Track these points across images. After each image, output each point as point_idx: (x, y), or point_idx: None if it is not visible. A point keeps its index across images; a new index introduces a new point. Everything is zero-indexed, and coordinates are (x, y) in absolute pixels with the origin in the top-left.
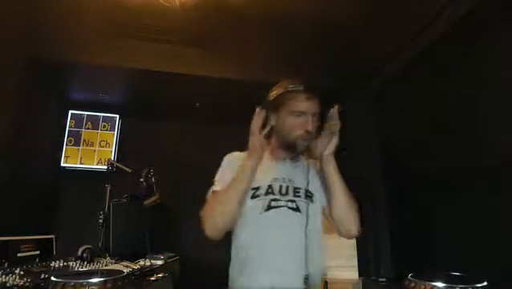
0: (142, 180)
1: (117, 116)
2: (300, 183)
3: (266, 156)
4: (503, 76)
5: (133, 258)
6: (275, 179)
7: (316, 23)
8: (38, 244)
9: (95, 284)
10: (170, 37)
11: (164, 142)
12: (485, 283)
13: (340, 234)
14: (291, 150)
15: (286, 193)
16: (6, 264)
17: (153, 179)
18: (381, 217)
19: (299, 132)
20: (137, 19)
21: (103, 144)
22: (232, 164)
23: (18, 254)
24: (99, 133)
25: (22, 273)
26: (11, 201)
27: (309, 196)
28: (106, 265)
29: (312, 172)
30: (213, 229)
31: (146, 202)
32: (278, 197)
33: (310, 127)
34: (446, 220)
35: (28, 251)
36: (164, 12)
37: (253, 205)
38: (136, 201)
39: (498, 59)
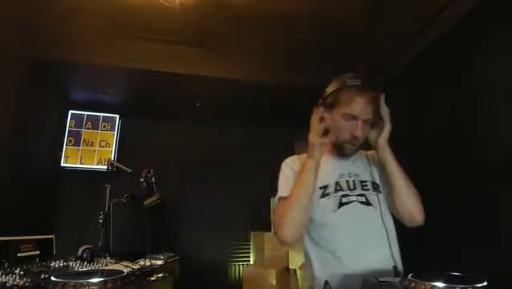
0: (142, 180)
1: (117, 116)
2: (365, 176)
3: (325, 153)
4: (503, 76)
5: (133, 258)
6: (341, 175)
7: (316, 23)
8: (38, 244)
9: (95, 284)
10: (170, 37)
11: (164, 142)
12: (485, 283)
13: (405, 222)
14: (338, 152)
15: (354, 188)
16: (6, 264)
17: (153, 179)
18: None
19: (346, 137)
20: (137, 19)
21: (103, 144)
22: (291, 166)
23: (18, 254)
24: (99, 133)
25: (22, 273)
26: (11, 201)
27: (376, 187)
28: (106, 265)
29: (372, 163)
30: (291, 234)
31: (146, 202)
32: (347, 192)
33: (359, 133)
34: (446, 220)
35: (28, 251)
36: (164, 12)
37: (325, 204)
38: (136, 201)
39: (498, 59)
